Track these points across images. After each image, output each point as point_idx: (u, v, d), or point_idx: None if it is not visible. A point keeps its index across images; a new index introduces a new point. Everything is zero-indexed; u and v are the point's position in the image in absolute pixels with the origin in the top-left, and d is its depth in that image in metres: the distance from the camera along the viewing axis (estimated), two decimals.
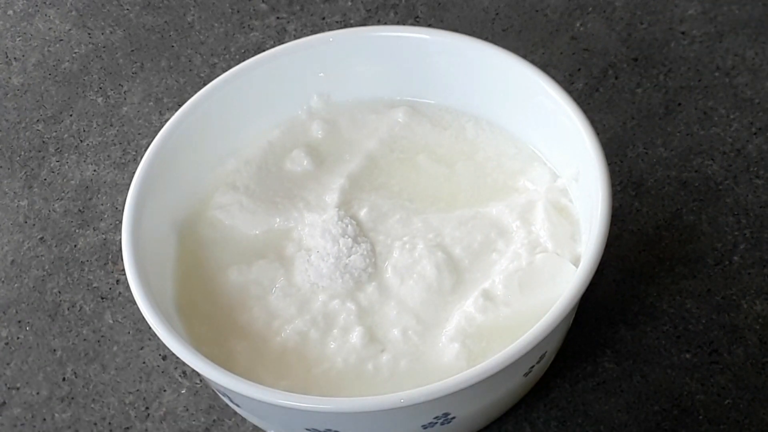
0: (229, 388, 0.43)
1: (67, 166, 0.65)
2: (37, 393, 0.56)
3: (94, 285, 0.59)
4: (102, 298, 0.59)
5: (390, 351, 0.47)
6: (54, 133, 0.67)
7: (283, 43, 0.57)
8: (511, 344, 0.42)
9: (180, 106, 0.53)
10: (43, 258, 0.61)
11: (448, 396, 0.42)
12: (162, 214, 0.50)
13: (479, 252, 0.50)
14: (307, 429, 0.44)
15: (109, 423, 0.54)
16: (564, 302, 0.43)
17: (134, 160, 0.64)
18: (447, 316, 0.48)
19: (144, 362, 0.56)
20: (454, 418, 0.44)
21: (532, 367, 0.45)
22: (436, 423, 0.44)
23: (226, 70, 0.54)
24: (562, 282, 0.47)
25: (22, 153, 0.66)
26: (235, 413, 0.53)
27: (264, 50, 0.55)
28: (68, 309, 0.59)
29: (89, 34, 0.72)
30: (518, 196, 0.52)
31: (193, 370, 0.50)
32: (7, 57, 0.71)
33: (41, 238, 0.62)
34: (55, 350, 0.57)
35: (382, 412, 0.42)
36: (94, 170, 0.64)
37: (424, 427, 0.44)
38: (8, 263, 0.61)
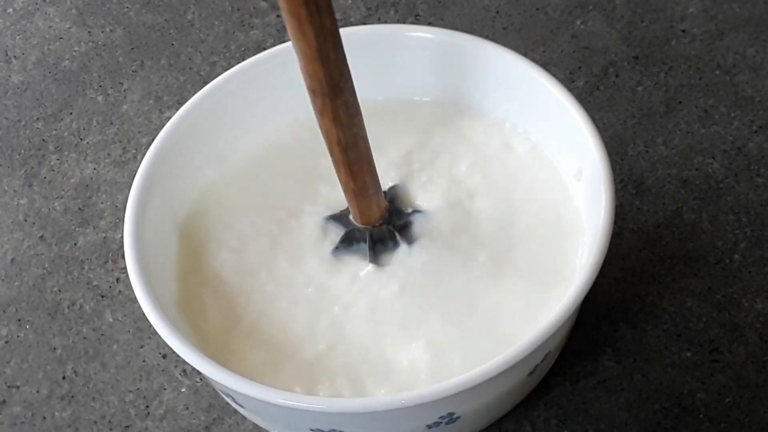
0: (231, 388, 0.43)
1: (67, 165, 0.65)
2: (37, 391, 0.56)
3: (94, 283, 0.59)
4: (102, 297, 0.59)
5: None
6: (54, 132, 0.67)
7: (283, 41, 0.57)
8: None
9: (180, 104, 0.53)
10: (43, 256, 0.61)
11: (452, 396, 0.42)
12: (163, 213, 0.50)
13: None
14: (311, 429, 0.44)
15: (109, 421, 0.54)
16: (568, 302, 0.43)
17: (134, 158, 0.64)
18: None
19: (144, 360, 0.56)
20: (458, 417, 0.44)
21: (536, 366, 0.45)
22: (441, 423, 0.44)
23: (227, 69, 0.54)
24: None
25: (22, 151, 0.66)
26: (236, 411, 0.53)
27: (264, 48, 0.55)
28: (68, 307, 0.59)
29: (89, 32, 0.72)
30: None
31: (194, 369, 0.50)
32: (6, 55, 0.71)
33: (41, 237, 0.62)
34: (55, 348, 0.57)
35: (385, 412, 0.42)
36: (94, 168, 0.64)
37: (429, 426, 0.44)
38: (8, 262, 0.61)
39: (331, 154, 0.46)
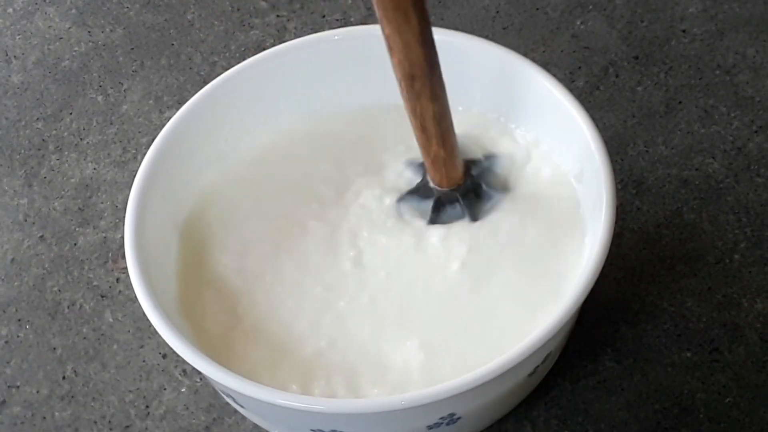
0: (232, 388, 0.43)
1: (67, 165, 0.65)
2: (37, 391, 0.56)
3: (94, 283, 0.59)
4: (102, 297, 0.59)
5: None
6: (54, 132, 0.67)
7: (283, 41, 0.57)
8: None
9: (180, 104, 0.53)
10: (43, 256, 0.61)
11: (453, 397, 0.42)
12: (164, 213, 0.50)
13: None
14: (312, 429, 0.44)
15: (109, 421, 0.54)
16: (569, 303, 0.43)
17: (134, 158, 0.64)
18: None
19: (144, 360, 0.56)
20: (459, 418, 0.44)
21: (537, 367, 0.45)
22: (442, 423, 0.44)
23: (227, 69, 0.54)
24: None
25: (22, 151, 0.66)
26: (236, 411, 0.53)
27: (264, 48, 0.55)
28: (68, 307, 0.59)
29: (89, 32, 0.72)
30: None
31: (194, 369, 0.50)
32: (7, 55, 0.71)
33: (41, 237, 0.62)
34: (55, 348, 0.57)
35: (386, 413, 0.42)
36: (94, 168, 0.64)
37: (430, 427, 0.44)
38: (8, 262, 0.61)
39: (422, 132, 0.47)
